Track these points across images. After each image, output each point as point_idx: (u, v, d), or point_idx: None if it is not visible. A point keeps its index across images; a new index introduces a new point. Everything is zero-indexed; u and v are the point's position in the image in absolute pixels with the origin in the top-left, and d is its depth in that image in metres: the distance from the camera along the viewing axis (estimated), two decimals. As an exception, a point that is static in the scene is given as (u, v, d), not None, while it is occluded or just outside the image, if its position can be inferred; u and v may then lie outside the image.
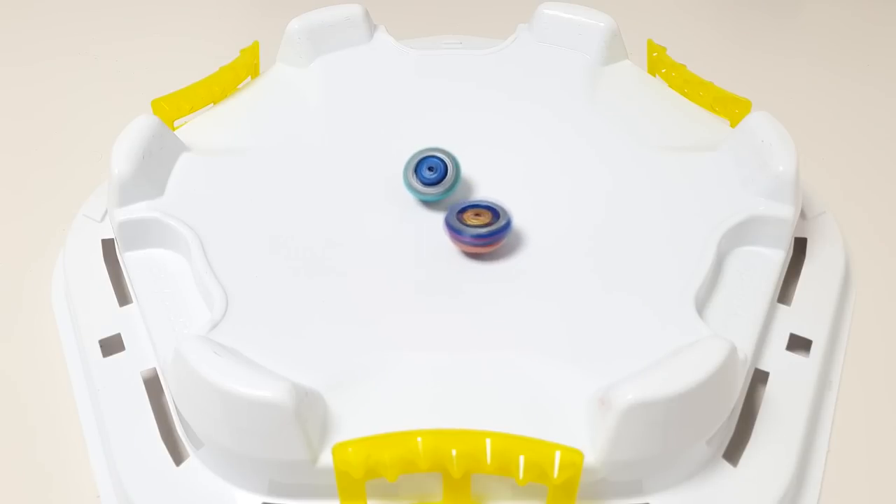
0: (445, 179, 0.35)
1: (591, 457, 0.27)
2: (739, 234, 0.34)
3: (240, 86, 0.43)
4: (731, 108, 0.40)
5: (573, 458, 0.26)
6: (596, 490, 0.27)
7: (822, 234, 0.38)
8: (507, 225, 0.33)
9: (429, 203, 0.36)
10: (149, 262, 0.34)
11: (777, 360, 0.33)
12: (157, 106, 0.39)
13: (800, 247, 0.38)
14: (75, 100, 0.50)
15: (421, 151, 0.36)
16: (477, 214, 0.34)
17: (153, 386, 0.32)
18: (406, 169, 0.36)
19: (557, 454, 0.26)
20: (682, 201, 0.36)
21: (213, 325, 0.31)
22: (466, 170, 0.37)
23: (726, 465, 0.29)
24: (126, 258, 0.35)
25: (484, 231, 0.33)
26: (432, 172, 0.35)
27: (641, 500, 0.28)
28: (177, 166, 0.37)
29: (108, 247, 0.37)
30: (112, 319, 0.34)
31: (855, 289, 0.38)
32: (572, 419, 0.28)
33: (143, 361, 0.33)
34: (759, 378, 0.32)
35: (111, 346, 0.34)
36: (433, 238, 0.35)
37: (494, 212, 0.34)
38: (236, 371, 0.27)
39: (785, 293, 0.35)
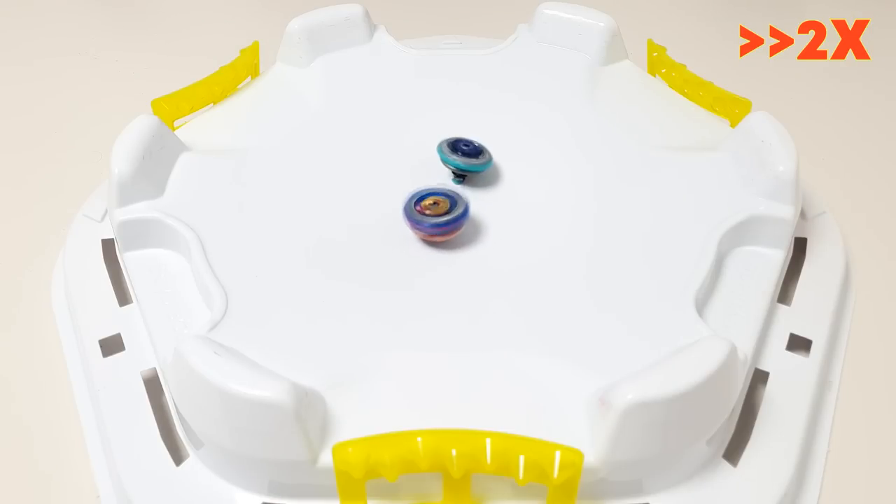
0: (478, 158, 0.37)
1: (591, 457, 0.27)
2: (739, 234, 0.34)
3: (240, 86, 0.43)
4: (731, 108, 0.40)
5: (573, 458, 0.26)
6: (596, 490, 0.27)
7: (822, 234, 0.38)
8: (465, 212, 0.34)
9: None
10: (149, 262, 0.34)
11: (777, 360, 0.33)
12: (157, 106, 0.39)
13: (800, 247, 0.38)
14: (75, 99, 0.50)
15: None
16: (434, 203, 0.34)
17: (153, 386, 0.32)
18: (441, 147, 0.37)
19: (557, 454, 0.26)
20: (682, 201, 0.35)
21: (213, 325, 0.31)
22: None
23: (726, 465, 0.29)
24: (126, 258, 0.35)
25: (441, 221, 0.34)
26: (467, 147, 0.37)
27: (641, 500, 0.28)
28: (177, 166, 0.37)
29: (108, 247, 0.37)
30: (112, 319, 0.34)
31: (855, 289, 0.38)
32: (572, 419, 0.28)
33: (143, 361, 0.33)
34: (759, 378, 0.32)
35: (111, 346, 0.33)
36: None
37: (451, 199, 0.34)
38: (236, 371, 0.27)
39: (785, 293, 0.35)
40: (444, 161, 0.37)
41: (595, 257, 0.34)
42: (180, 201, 0.35)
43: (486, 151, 0.37)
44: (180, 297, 0.33)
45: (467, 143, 0.37)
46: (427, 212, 0.34)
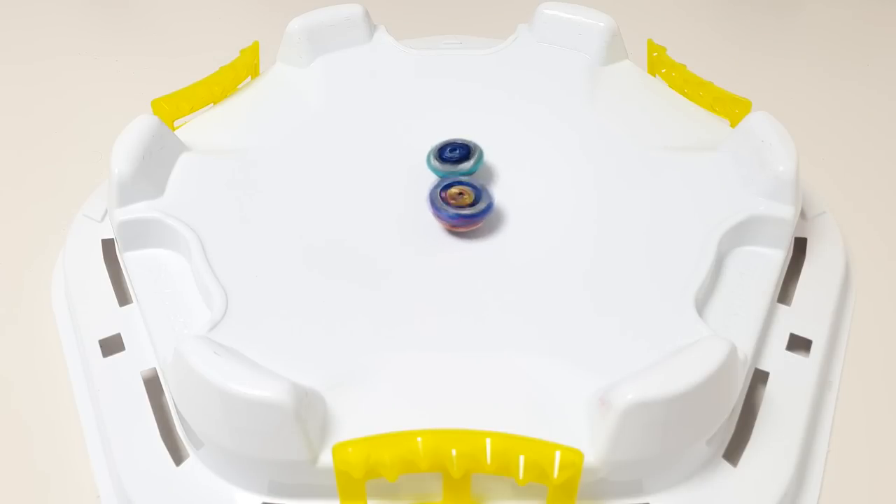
0: (466, 163, 0.37)
1: (591, 457, 0.27)
2: (739, 234, 0.34)
3: (240, 86, 0.43)
4: (731, 108, 0.40)
5: (573, 458, 0.26)
6: (596, 490, 0.27)
7: (822, 234, 0.38)
8: (489, 207, 0.35)
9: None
10: (149, 262, 0.34)
11: (777, 360, 0.33)
12: (157, 106, 0.39)
13: (800, 247, 0.38)
14: (75, 99, 0.50)
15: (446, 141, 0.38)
16: (460, 193, 0.35)
17: (153, 386, 0.32)
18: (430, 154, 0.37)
19: (557, 454, 0.26)
20: (682, 201, 0.36)
21: (213, 324, 0.31)
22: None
23: (726, 465, 0.29)
24: (126, 258, 0.35)
25: (465, 213, 0.34)
26: (452, 152, 0.37)
27: (641, 500, 0.28)
28: (177, 166, 0.37)
29: (108, 247, 0.37)
30: (112, 319, 0.34)
31: (855, 289, 0.38)
32: (572, 419, 0.28)
33: (143, 361, 0.33)
34: (759, 378, 0.32)
35: (111, 346, 0.34)
36: (434, 238, 0.35)
37: (477, 191, 0.35)
38: (236, 371, 0.27)
39: (785, 293, 0.35)
40: (435, 173, 0.37)
41: (595, 257, 0.34)
42: (180, 201, 0.35)
43: (476, 148, 0.37)
44: (180, 297, 0.33)
45: (454, 146, 0.37)
46: (451, 201, 0.35)
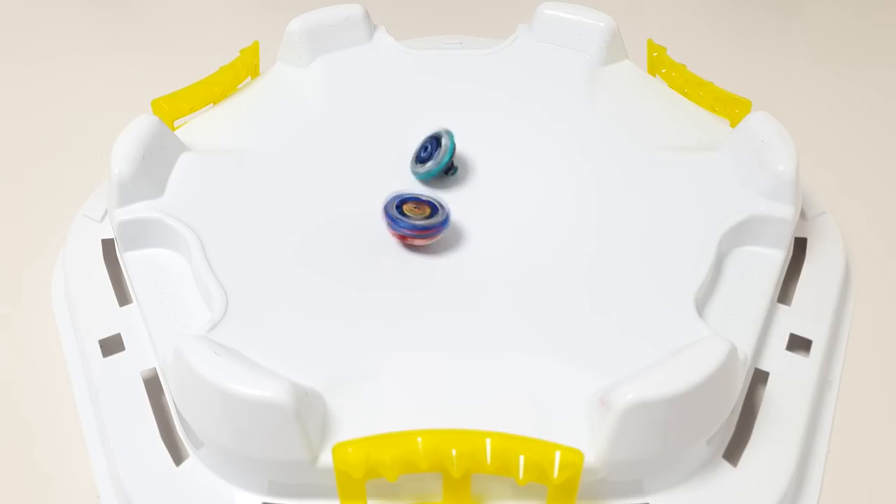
0: (438, 152, 0.36)
1: (591, 457, 0.27)
2: (739, 234, 0.34)
3: (240, 86, 0.43)
4: (731, 108, 0.40)
5: (573, 458, 0.26)
6: (596, 490, 0.27)
7: (822, 234, 0.38)
8: (445, 221, 0.34)
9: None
10: (149, 262, 0.34)
11: (777, 360, 0.33)
12: (157, 106, 0.39)
13: (800, 247, 0.38)
14: (75, 99, 0.50)
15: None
16: (416, 207, 0.34)
17: (153, 386, 0.32)
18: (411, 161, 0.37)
19: (557, 454, 0.26)
20: (683, 201, 0.36)
21: (213, 325, 0.31)
22: (466, 170, 0.37)
23: (726, 465, 0.29)
24: (126, 258, 0.35)
25: (420, 223, 0.33)
26: (426, 152, 0.37)
27: (641, 500, 0.28)
28: (177, 166, 0.37)
29: (108, 247, 0.37)
30: (112, 319, 0.34)
31: (855, 289, 0.38)
32: (572, 419, 0.28)
33: (143, 361, 0.33)
34: (759, 378, 0.32)
35: (111, 346, 0.34)
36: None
37: (433, 207, 0.34)
38: (236, 371, 0.27)
39: (785, 293, 0.35)
40: (426, 177, 0.37)
41: (595, 257, 0.34)
42: (180, 201, 0.35)
43: (442, 133, 0.37)
44: (180, 297, 0.33)
45: (424, 146, 0.37)
46: (408, 214, 0.34)
